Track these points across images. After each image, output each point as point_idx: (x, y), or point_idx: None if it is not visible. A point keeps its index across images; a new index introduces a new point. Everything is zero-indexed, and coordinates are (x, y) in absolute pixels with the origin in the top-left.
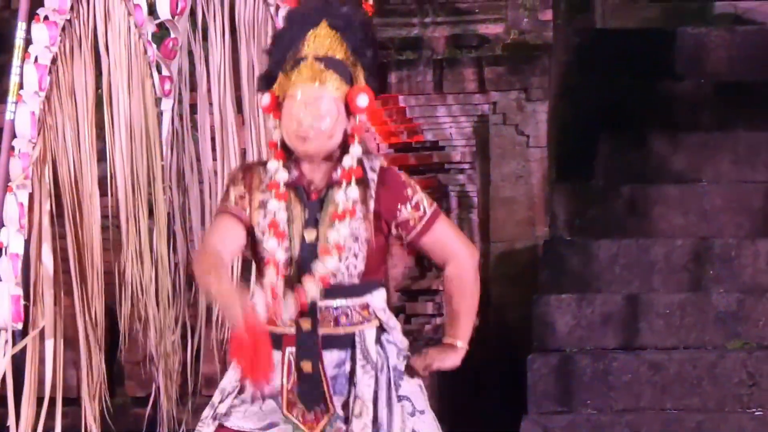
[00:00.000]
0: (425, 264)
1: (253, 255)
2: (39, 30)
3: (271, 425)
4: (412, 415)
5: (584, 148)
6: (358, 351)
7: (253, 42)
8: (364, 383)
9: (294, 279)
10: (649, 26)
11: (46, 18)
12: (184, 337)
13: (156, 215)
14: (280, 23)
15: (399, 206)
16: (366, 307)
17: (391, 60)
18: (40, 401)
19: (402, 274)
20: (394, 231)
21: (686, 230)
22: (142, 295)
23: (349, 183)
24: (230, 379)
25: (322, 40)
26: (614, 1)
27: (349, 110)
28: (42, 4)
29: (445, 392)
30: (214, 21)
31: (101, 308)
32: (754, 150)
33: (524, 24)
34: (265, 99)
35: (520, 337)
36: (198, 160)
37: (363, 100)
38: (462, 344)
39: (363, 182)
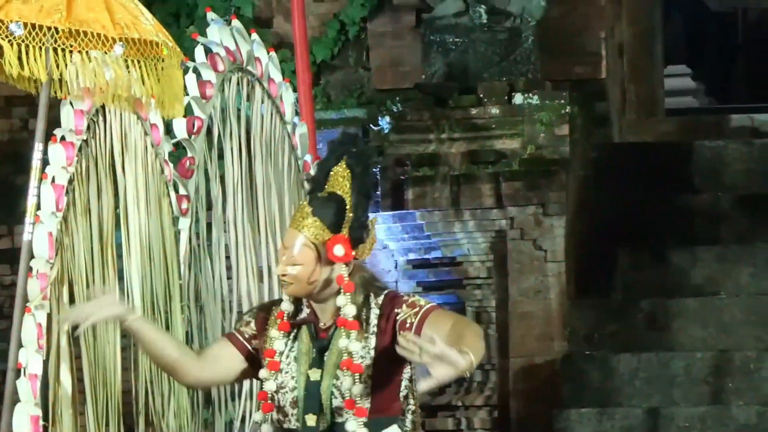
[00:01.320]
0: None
1: None
2: (56, 150)
3: None
4: None
5: (603, 263)
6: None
7: (269, 160)
8: None
9: (300, 416)
10: (666, 140)
11: (62, 138)
12: None
13: (173, 334)
14: (296, 141)
15: (396, 311)
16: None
17: (407, 176)
18: None
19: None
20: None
21: (706, 343)
22: (163, 416)
23: (348, 332)
24: None
25: (335, 178)
26: (631, 115)
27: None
28: (59, 125)
29: None
30: (231, 139)
31: (116, 429)
32: None
33: (541, 139)
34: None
35: None
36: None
37: (338, 250)
38: (470, 357)
39: (363, 321)
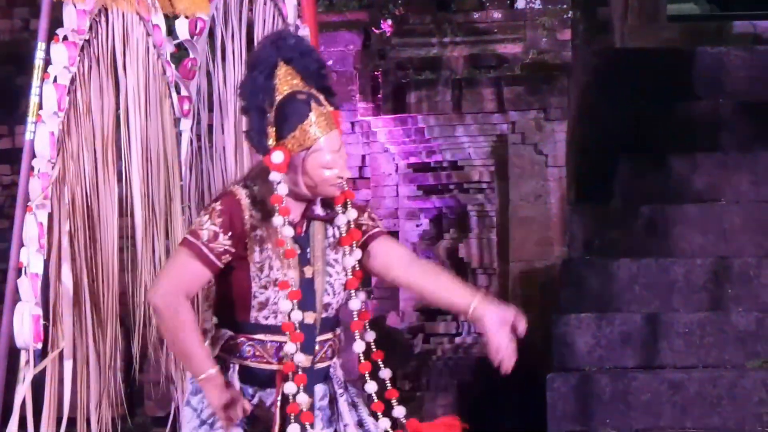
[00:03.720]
0: None
1: (222, 286)
2: (58, 50)
3: None
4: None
5: (603, 168)
6: (334, 382)
7: None
8: (346, 412)
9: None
10: (668, 46)
11: (65, 38)
12: None
13: (172, 236)
14: None
15: (359, 216)
16: (339, 337)
17: (410, 80)
18: (59, 422)
19: None
20: None
21: (706, 250)
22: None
23: (345, 208)
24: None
25: (291, 80)
26: (633, 21)
27: None
28: (61, 25)
29: (465, 412)
30: (233, 41)
31: (114, 329)
32: None
33: (543, 44)
34: (279, 157)
35: (539, 357)
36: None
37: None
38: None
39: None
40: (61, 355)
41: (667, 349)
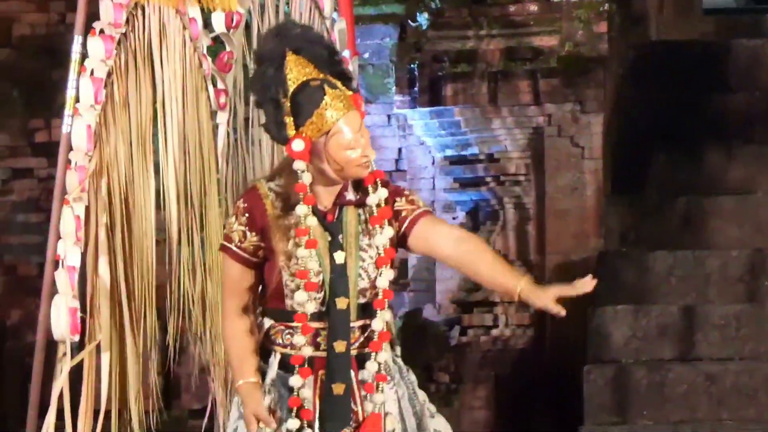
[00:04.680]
0: None
1: (261, 277)
2: (95, 43)
3: None
4: (432, 417)
5: (639, 161)
6: (382, 368)
7: None
8: (391, 399)
9: (329, 300)
10: (703, 39)
11: (101, 32)
12: None
13: (207, 228)
14: (335, 36)
15: (396, 199)
16: (386, 324)
17: (446, 73)
18: (96, 414)
19: None
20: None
21: (742, 242)
22: (192, 307)
23: (375, 188)
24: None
25: (302, 68)
26: (669, 14)
27: None
28: (98, 18)
29: (501, 404)
30: None
31: (150, 322)
32: None
33: (579, 36)
34: (299, 145)
35: (576, 349)
36: (253, 172)
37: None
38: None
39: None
40: (98, 347)
41: (704, 342)
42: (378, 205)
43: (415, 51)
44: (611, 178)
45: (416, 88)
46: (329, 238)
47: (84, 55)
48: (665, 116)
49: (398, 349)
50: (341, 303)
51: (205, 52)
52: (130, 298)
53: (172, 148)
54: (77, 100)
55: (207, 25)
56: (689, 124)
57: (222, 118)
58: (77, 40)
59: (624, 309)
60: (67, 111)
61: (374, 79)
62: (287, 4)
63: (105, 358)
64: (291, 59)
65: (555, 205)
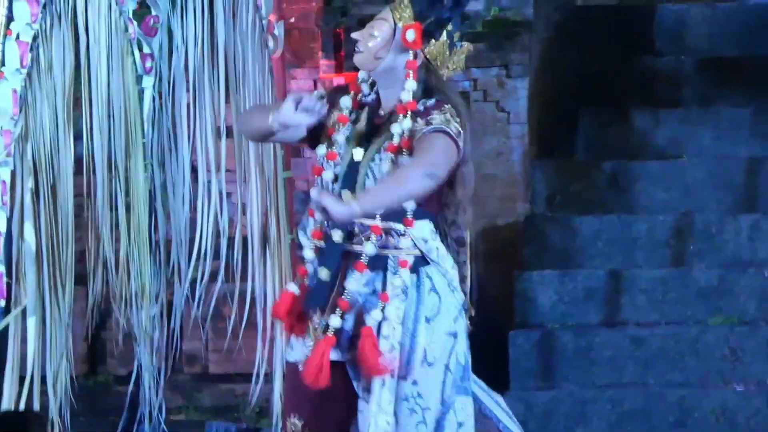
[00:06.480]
0: None
1: None
2: (20, 7)
3: None
4: (421, 363)
5: (565, 125)
6: (389, 274)
7: (232, 19)
8: (394, 305)
9: (337, 192)
10: (629, 3)
11: None
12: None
13: (133, 192)
14: (260, 1)
15: (416, 120)
16: (404, 233)
17: None
18: (21, 380)
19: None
20: None
21: (668, 206)
22: (116, 272)
23: (405, 116)
24: None
25: None
26: None
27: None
28: None
29: None
30: None
31: (71, 287)
32: (735, 125)
33: (504, 1)
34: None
35: (502, 314)
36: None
37: (410, 34)
38: (357, 207)
39: (415, 116)
40: (23, 312)
41: (630, 306)
42: (401, 135)
43: (341, 16)
44: (538, 143)
45: (342, 53)
46: (365, 137)
47: (10, 18)
48: (592, 80)
49: (442, 268)
50: (345, 195)
51: (130, 16)
52: (54, 264)
53: (98, 112)
54: (2, 63)
55: None
56: (616, 88)
57: (148, 82)
58: (2, 3)
59: (550, 273)
60: None
61: (300, 44)
62: None
63: (31, 323)
64: None
65: (481, 170)
